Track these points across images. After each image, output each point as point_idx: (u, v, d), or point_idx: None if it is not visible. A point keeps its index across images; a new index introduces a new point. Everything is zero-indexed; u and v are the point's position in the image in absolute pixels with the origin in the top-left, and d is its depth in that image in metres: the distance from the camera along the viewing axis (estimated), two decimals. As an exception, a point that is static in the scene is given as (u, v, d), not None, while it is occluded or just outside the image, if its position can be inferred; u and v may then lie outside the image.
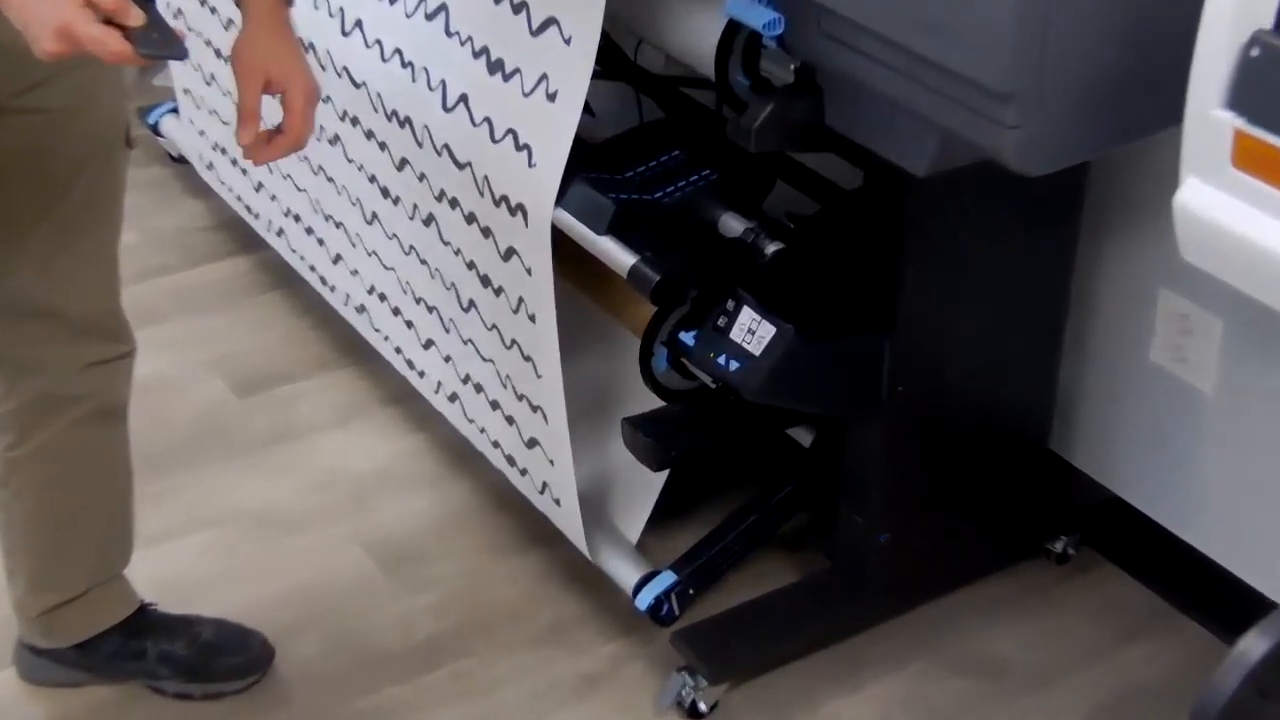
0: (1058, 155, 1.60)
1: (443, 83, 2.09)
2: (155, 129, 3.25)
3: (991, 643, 2.17)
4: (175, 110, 3.15)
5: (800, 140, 1.81)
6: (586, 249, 1.96)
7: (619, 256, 1.92)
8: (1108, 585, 2.26)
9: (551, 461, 2.13)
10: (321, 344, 2.78)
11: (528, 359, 2.08)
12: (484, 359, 2.21)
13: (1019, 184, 1.69)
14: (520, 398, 2.14)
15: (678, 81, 2.31)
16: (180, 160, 3.23)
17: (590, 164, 2.00)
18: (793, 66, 1.77)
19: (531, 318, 2.03)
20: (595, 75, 1.86)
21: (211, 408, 2.63)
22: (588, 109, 1.94)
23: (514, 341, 2.10)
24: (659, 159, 2.06)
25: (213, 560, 2.31)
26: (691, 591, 2.10)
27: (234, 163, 2.87)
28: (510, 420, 2.20)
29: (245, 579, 2.28)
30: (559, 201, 1.92)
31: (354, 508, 2.41)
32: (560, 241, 1.95)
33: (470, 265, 2.14)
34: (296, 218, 2.68)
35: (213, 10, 2.69)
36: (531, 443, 2.17)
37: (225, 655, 2.07)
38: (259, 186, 2.79)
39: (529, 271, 1.99)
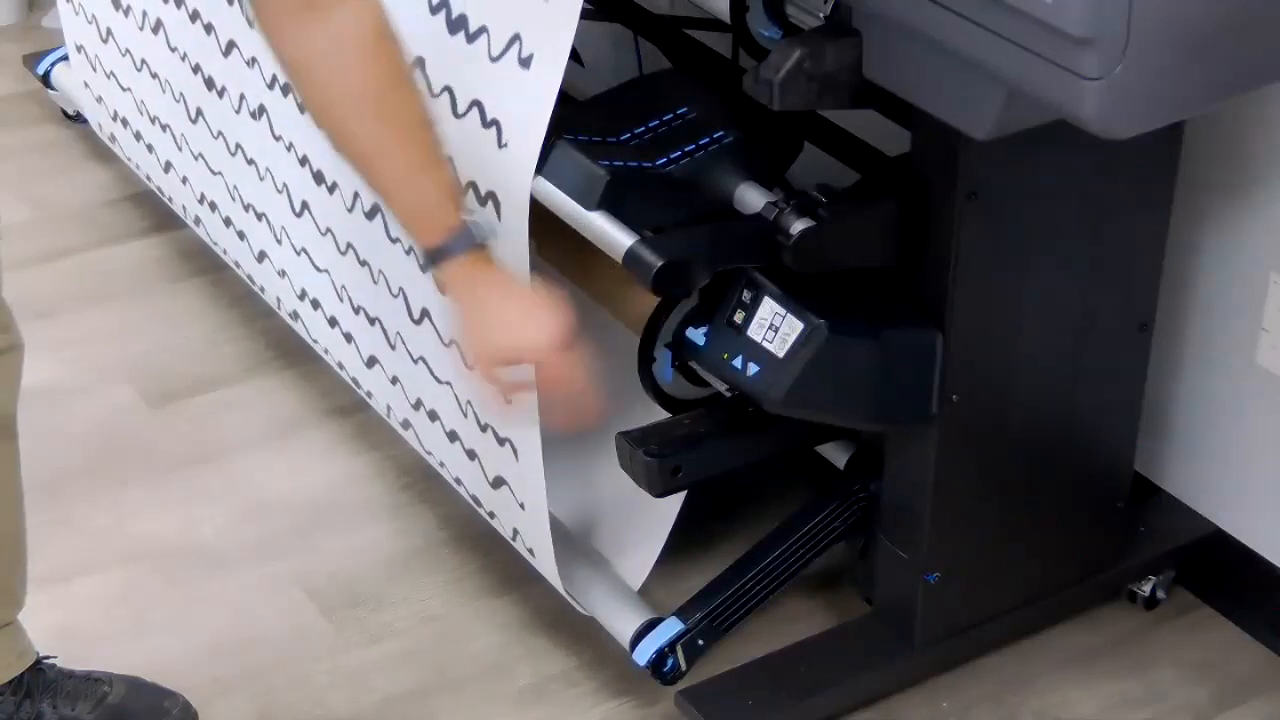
0: (1146, 114, 1.60)
1: None
2: (47, 81, 3.24)
3: (1064, 704, 2.16)
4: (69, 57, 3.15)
5: (834, 95, 1.81)
6: (574, 228, 1.96)
7: (614, 237, 1.91)
8: (1206, 634, 2.26)
9: (522, 505, 2.12)
10: (253, 342, 2.77)
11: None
12: (439, 381, 2.20)
13: (1100, 149, 1.69)
14: (484, 429, 2.13)
15: (684, 23, 2.31)
16: (78, 119, 3.23)
17: (578, 125, 2.00)
18: (825, 3, 1.76)
19: None
20: (585, 15, 1.85)
21: (119, 419, 2.62)
22: (575, 57, 1.93)
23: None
24: (662, 118, 2.05)
25: (122, 605, 2.30)
26: (701, 642, 2.10)
27: (137, 137, 2.86)
28: (472, 455, 2.20)
29: (162, 628, 2.27)
30: (540, 170, 1.91)
31: (293, 542, 2.41)
32: (542, 218, 1.94)
33: (425, 266, 2.13)
34: (213, 206, 2.67)
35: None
36: (498, 482, 2.16)
37: (138, 720, 2.06)
38: (168, 167, 2.78)
39: None
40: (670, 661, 2.08)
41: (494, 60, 1.93)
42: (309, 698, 2.18)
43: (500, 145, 1.93)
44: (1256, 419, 2.16)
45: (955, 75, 1.67)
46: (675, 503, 2.13)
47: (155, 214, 3.02)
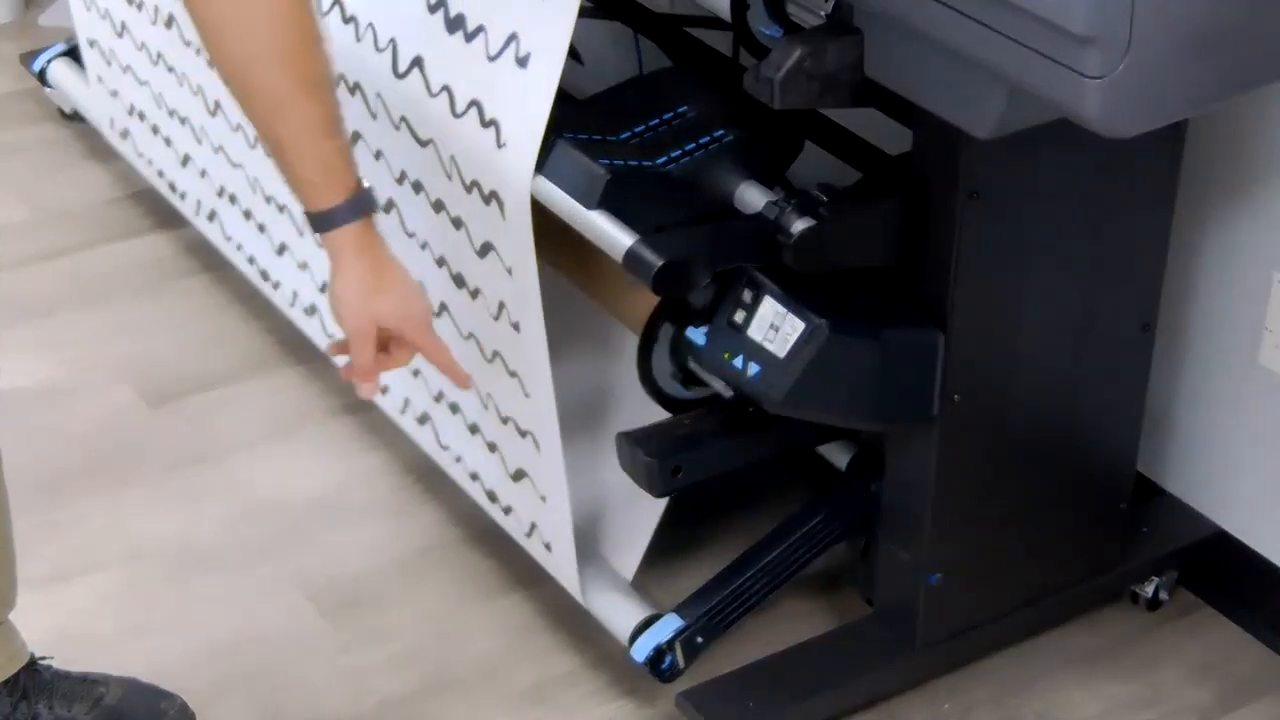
0: (1149, 113, 1.59)
1: (392, 42, 2.07)
2: (43, 78, 3.23)
3: (1066, 706, 2.16)
4: (67, 54, 3.14)
5: (835, 94, 1.80)
6: (573, 227, 1.95)
7: (614, 236, 1.91)
8: (1208, 635, 2.25)
9: (543, 498, 2.12)
10: (256, 341, 2.77)
11: (513, 375, 2.07)
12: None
13: (1102, 148, 1.68)
14: (505, 421, 2.13)
15: (685, 21, 2.31)
16: (75, 117, 3.22)
17: (578, 123, 1.99)
18: (826, 2, 1.75)
19: (515, 326, 2.02)
20: (584, 13, 1.85)
21: (118, 419, 2.62)
22: (574, 55, 1.93)
23: (496, 354, 2.09)
24: (662, 117, 2.05)
25: (120, 606, 2.30)
26: (701, 640, 2.09)
27: (154, 131, 2.86)
28: (493, 448, 2.19)
29: (160, 629, 2.26)
30: (540, 169, 1.91)
31: (293, 542, 2.40)
32: (542, 217, 1.94)
33: (440, 262, 2.13)
34: (232, 198, 2.67)
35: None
36: (519, 475, 2.16)
37: (135, 722, 2.05)
38: (186, 160, 2.78)
39: (509, 272, 1.98)
40: (668, 658, 2.07)
41: (492, 59, 1.93)
42: (309, 698, 2.17)
43: (499, 145, 1.92)
44: (1259, 419, 2.16)
45: (957, 74, 1.66)
46: (662, 499, 2.13)
47: (154, 213, 3.01)
